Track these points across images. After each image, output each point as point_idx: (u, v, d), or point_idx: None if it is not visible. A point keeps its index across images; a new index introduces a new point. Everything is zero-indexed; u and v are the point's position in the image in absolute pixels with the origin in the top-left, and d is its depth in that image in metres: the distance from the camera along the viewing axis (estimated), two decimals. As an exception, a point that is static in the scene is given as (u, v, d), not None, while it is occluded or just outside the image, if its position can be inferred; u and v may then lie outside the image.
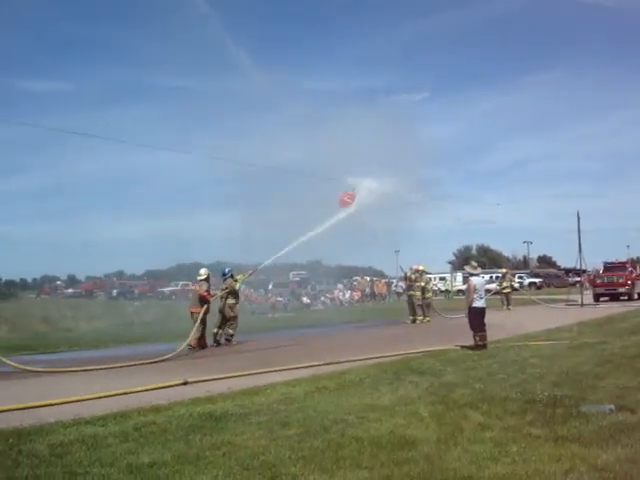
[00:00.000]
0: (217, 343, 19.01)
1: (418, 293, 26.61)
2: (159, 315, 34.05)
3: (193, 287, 20.25)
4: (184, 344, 16.93)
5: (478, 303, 15.66)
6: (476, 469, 5.87)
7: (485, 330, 15.45)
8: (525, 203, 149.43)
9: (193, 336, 17.72)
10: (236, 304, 19.69)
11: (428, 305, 27.44)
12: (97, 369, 13.97)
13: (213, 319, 19.31)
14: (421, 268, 27.61)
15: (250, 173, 23.07)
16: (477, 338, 15.41)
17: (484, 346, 15.20)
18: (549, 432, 7.11)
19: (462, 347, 15.54)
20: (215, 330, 19.08)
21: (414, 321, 26.19)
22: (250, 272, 21.28)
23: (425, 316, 26.71)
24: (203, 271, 19.40)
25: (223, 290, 19.56)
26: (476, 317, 15.60)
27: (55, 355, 17.16)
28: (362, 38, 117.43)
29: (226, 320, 19.20)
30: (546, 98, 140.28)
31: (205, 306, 18.33)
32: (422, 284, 26.89)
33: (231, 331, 19.18)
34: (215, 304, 19.47)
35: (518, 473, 5.73)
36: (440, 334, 20.72)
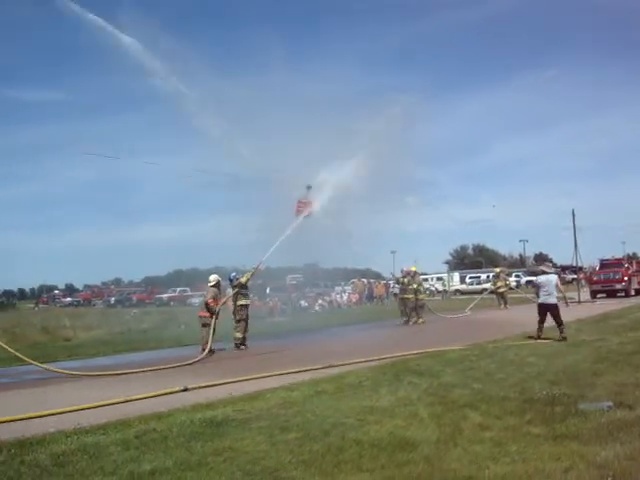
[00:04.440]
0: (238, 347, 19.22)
1: (411, 296, 26.44)
2: (157, 322, 33.99)
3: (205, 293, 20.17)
4: (205, 352, 17.21)
5: (540, 299, 17.14)
6: (476, 469, 5.91)
7: (543, 325, 17.05)
8: (521, 202, 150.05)
9: (208, 342, 17.88)
10: (246, 305, 19.48)
11: (422, 306, 27.20)
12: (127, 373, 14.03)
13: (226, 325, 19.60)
14: (413, 269, 27.42)
15: (242, 178, 22.93)
16: (538, 329, 17.05)
17: (538, 337, 16.82)
18: (548, 431, 7.15)
19: (528, 337, 17.16)
20: (240, 334, 19.17)
21: (407, 322, 26.08)
22: (254, 269, 20.54)
23: (419, 317, 26.59)
24: (212, 277, 19.22)
25: (231, 295, 19.63)
26: (538, 311, 17.17)
27: (54, 364, 17.10)
28: (355, 39, 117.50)
29: (237, 321, 19.26)
30: (542, 96, 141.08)
31: (214, 313, 18.39)
32: (415, 286, 26.64)
33: (239, 334, 19.11)
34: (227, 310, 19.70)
35: (518, 472, 5.77)
36: (438, 334, 20.81)
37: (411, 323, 26.07)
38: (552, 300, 16.90)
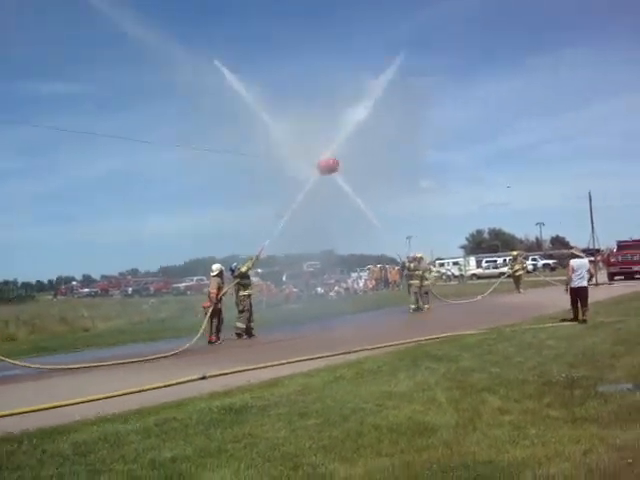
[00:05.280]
0: (248, 335, 18.95)
1: (417, 282, 25.89)
2: (175, 311, 34.18)
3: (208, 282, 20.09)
4: (194, 339, 17.03)
5: (575, 283, 17.20)
6: (495, 453, 5.91)
7: (578, 307, 17.06)
8: (537, 185, 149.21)
9: (207, 331, 17.92)
10: (247, 296, 19.22)
11: (426, 293, 26.57)
12: (100, 365, 14.16)
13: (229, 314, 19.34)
14: (419, 255, 26.94)
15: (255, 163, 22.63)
16: (574, 311, 17.13)
17: (575, 319, 16.89)
18: (567, 414, 7.14)
19: (562, 320, 17.17)
20: (242, 325, 18.84)
21: (417, 309, 25.56)
22: (255, 256, 20.04)
23: (424, 303, 26.09)
24: (215, 267, 19.04)
25: (232, 285, 19.38)
26: (573, 295, 17.21)
27: (74, 355, 17.27)
28: (372, 22, 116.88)
29: (240, 311, 18.97)
30: (559, 79, 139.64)
31: (213, 303, 18.21)
32: (420, 272, 26.00)
33: (241, 325, 18.80)
34: (231, 300, 19.50)
35: (537, 455, 5.76)
36: (455, 319, 20.78)
37: (411, 310, 25.50)
38: (584, 283, 17.22)
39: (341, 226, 23.35)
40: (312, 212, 21.77)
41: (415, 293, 25.91)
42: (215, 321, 18.24)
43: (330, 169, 21.12)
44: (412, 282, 26.15)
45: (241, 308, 18.95)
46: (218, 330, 18.39)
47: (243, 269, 19.20)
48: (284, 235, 20.87)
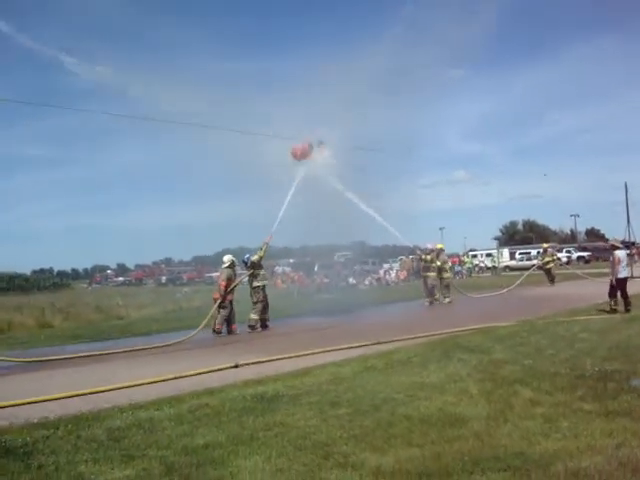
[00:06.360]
0: (263, 327, 18.75)
1: (433, 274, 24.99)
2: (207, 300, 34.42)
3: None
4: (197, 329, 17.13)
5: (622, 274, 17.45)
6: (527, 445, 5.89)
7: (617, 296, 17.32)
8: (572, 176, 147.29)
9: (217, 322, 17.96)
10: (261, 287, 18.97)
11: (447, 286, 25.72)
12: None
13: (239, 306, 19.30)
14: (439, 246, 26.04)
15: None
16: (612, 303, 17.40)
17: (613, 311, 17.05)
18: (600, 407, 7.09)
19: (599, 311, 17.39)
20: (255, 316, 18.61)
21: (431, 303, 24.71)
22: (265, 242, 19.64)
23: (445, 297, 25.32)
24: (226, 258, 18.85)
25: (245, 276, 19.41)
26: (619, 285, 17.39)
27: (108, 342, 17.47)
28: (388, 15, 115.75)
29: (254, 303, 18.77)
30: (593, 69, 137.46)
31: (222, 294, 18.13)
32: (438, 264, 25.27)
33: (254, 316, 18.61)
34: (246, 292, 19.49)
35: (569, 448, 5.73)
36: (486, 311, 20.60)
37: (427, 304, 24.84)
38: (627, 274, 17.52)
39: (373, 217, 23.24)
40: (340, 205, 21.79)
41: (431, 286, 25.07)
42: (223, 312, 18.07)
43: (304, 155, 21.08)
44: (428, 274, 25.21)
45: (255, 299, 18.74)
46: (230, 321, 18.28)
47: (255, 258, 18.99)
48: (318, 227, 20.87)
